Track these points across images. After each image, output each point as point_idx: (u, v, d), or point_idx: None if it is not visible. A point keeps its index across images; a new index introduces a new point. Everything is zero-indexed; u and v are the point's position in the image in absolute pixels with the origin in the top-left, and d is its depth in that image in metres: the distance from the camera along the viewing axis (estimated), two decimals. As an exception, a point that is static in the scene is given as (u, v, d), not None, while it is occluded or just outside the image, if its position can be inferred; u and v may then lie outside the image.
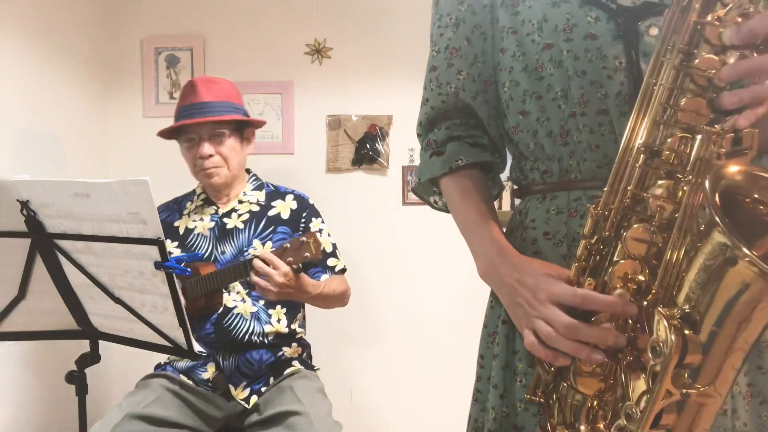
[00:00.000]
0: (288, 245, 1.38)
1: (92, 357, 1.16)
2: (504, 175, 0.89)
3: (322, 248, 1.40)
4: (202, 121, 1.52)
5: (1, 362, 1.68)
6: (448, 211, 0.89)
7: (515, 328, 0.76)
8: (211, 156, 1.54)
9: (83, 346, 1.16)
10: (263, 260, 1.36)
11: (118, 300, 1.08)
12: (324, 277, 1.59)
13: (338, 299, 1.61)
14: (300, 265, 1.38)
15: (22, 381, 1.76)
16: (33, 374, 1.80)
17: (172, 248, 1.58)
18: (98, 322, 1.16)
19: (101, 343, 1.18)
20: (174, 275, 1.02)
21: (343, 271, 1.64)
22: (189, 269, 1.01)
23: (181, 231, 1.60)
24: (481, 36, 0.80)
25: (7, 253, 1.07)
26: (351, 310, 2.03)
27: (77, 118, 2.10)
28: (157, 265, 1.00)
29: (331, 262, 1.61)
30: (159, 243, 0.98)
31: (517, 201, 0.86)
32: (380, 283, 2.33)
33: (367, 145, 2.31)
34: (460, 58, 0.80)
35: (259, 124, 1.70)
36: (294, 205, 1.64)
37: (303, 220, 1.62)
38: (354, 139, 2.32)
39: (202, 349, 1.10)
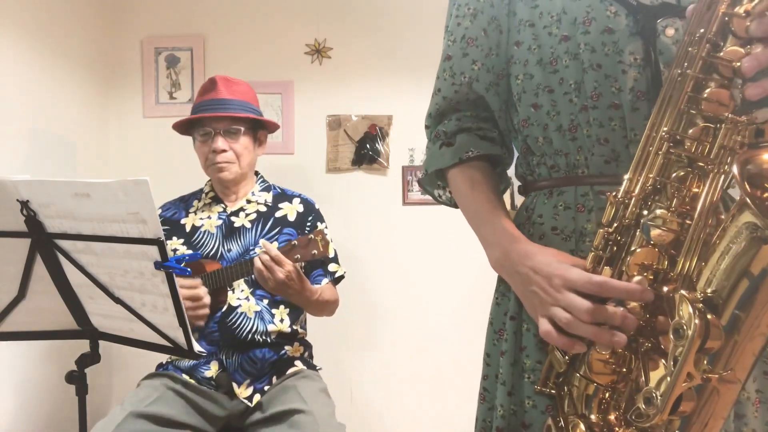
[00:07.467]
0: (296, 242, 1.40)
1: (92, 357, 1.16)
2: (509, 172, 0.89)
3: (330, 246, 1.41)
4: (220, 116, 1.56)
5: (1, 362, 1.68)
6: (451, 205, 0.88)
7: (522, 325, 0.76)
8: (224, 151, 1.57)
9: (83, 346, 1.16)
10: (270, 256, 1.37)
11: (118, 300, 1.08)
12: (324, 281, 1.60)
13: (328, 309, 1.63)
14: (303, 265, 1.38)
15: (23, 381, 1.76)
16: (33, 374, 1.80)
17: (178, 245, 1.59)
18: (98, 322, 1.16)
19: (101, 343, 1.18)
20: (174, 275, 1.02)
21: (340, 278, 1.65)
22: (189, 269, 1.01)
23: (188, 228, 1.61)
24: (497, 28, 0.80)
25: (7, 253, 1.07)
26: (351, 310, 2.03)
27: (77, 118, 2.10)
28: (157, 265, 1.00)
29: (332, 267, 1.63)
30: (159, 243, 0.97)
31: (518, 201, 0.86)
32: (380, 283, 2.32)
33: (367, 145, 2.31)
34: (476, 48, 0.80)
35: (274, 126, 1.73)
36: (300, 208, 1.66)
37: (309, 224, 1.64)
38: (354, 139, 2.32)
39: (202, 349, 1.11)
